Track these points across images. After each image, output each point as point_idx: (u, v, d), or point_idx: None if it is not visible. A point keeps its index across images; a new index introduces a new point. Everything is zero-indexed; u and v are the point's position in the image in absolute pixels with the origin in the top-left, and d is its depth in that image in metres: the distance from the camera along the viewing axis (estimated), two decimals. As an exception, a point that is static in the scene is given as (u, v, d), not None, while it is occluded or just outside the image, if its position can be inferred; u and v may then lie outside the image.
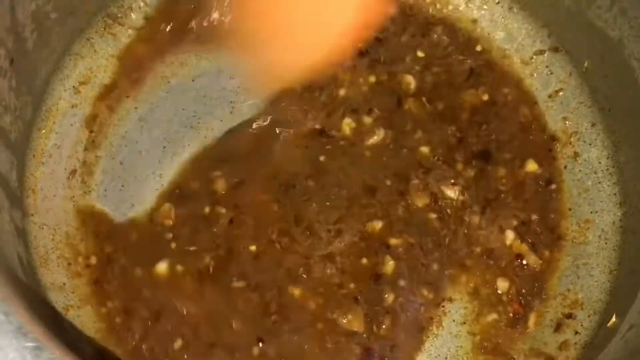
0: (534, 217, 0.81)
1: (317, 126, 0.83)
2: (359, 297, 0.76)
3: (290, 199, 0.79)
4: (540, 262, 0.79)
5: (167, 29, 0.87)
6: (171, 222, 0.78)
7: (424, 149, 0.82)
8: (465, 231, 0.79)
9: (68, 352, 0.52)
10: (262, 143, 0.82)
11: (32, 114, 0.80)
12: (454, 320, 0.77)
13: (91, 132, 0.82)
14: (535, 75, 0.88)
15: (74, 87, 0.84)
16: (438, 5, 0.90)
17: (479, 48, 0.88)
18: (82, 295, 0.76)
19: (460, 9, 0.90)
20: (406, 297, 0.76)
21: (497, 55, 0.88)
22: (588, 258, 0.80)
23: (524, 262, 0.79)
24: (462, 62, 0.88)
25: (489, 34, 0.89)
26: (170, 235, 0.78)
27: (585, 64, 0.85)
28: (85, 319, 0.75)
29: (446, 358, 0.75)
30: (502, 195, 0.81)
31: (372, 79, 0.85)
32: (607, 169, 0.83)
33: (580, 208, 0.82)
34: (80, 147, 0.82)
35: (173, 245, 0.77)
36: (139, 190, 0.80)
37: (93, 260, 0.77)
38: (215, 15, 0.84)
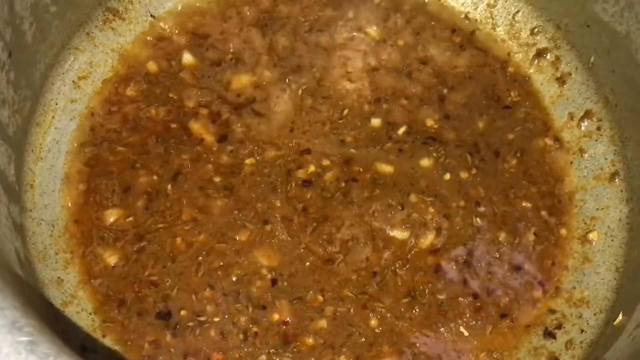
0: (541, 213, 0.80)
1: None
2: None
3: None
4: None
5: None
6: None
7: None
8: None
9: (64, 346, 0.51)
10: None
11: (30, 108, 0.79)
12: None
13: (91, 128, 0.82)
14: (540, 71, 0.87)
15: (73, 81, 0.83)
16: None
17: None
18: (80, 291, 0.75)
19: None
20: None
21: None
22: (594, 255, 0.79)
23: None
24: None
25: (492, 28, 0.88)
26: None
27: (592, 59, 0.84)
28: (84, 315, 0.74)
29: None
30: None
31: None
32: (614, 165, 0.82)
33: (586, 205, 0.81)
34: (79, 142, 0.81)
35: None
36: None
37: (91, 256, 0.76)
38: None
